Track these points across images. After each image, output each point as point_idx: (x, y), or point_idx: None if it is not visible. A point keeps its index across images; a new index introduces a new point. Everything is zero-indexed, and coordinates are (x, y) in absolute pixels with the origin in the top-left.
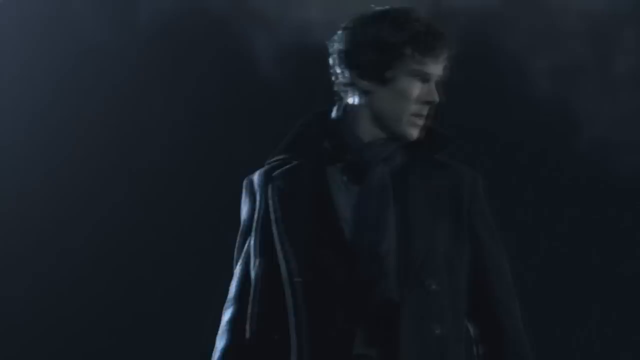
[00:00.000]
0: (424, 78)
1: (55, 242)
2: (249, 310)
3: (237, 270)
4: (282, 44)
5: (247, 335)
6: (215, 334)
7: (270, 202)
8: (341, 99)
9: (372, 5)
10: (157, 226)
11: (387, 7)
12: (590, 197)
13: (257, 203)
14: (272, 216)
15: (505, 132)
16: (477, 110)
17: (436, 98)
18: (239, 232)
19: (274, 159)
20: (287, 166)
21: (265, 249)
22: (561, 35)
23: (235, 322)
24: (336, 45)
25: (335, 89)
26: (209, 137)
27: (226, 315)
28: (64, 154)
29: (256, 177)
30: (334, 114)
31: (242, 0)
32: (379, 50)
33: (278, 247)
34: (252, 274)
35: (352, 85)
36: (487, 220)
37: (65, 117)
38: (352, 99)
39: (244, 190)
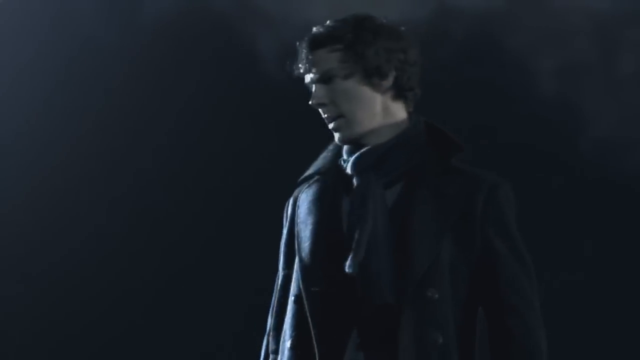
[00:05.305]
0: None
1: (55, 242)
2: (269, 322)
3: (275, 284)
4: (286, 43)
5: (270, 347)
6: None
7: (295, 218)
8: None
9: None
10: (159, 224)
11: None
12: (594, 196)
13: (288, 219)
14: (295, 230)
15: (510, 132)
16: (481, 110)
17: (311, 101)
18: None
19: (304, 176)
20: (310, 182)
21: (289, 263)
22: (566, 35)
23: (269, 334)
24: None
25: None
26: (212, 135)
27: (267, 328)
28: (66, 152)
29: (294, 194)
30: None
31: None
32: None
33: (296, 259)
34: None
35: None
36: (505, 228)
37: (67, 116)
38: None
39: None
